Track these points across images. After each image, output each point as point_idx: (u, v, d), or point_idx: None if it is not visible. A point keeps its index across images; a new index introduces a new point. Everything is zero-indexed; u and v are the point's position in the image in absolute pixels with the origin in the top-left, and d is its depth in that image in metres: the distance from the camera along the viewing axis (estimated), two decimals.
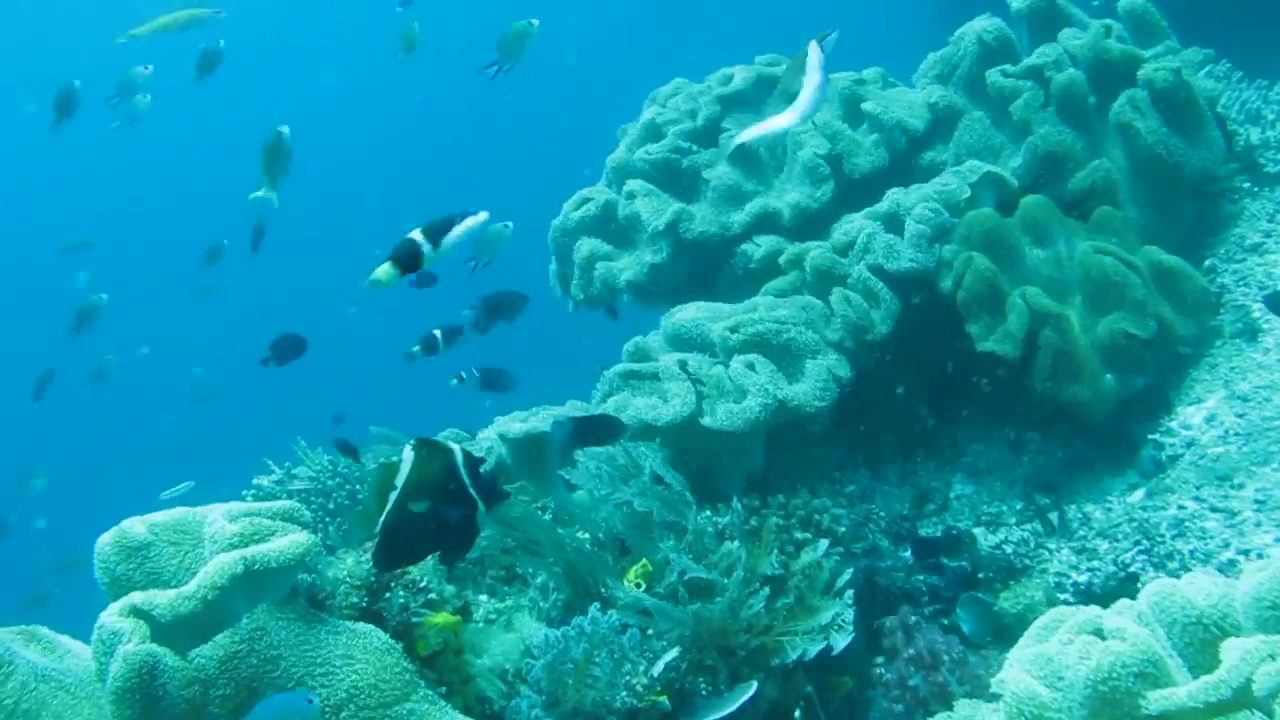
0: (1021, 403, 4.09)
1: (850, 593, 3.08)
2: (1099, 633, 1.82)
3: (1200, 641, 1.82)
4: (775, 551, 3.13)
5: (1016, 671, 1.80)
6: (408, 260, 2.54)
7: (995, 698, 1.84)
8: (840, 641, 2.97)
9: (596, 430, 3.05)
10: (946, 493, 4.03)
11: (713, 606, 2.93)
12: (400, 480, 2.14)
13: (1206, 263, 4.13)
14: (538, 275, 5.29)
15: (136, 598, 2.22)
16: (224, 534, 2.36)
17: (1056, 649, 1.81)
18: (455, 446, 2.19)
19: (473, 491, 2.17)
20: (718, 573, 3.02)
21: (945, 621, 3.65)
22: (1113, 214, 4.08)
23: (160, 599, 2.20)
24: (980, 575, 3.64)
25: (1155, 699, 1.66)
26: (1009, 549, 3.51)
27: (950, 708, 2.02)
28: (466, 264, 4.14)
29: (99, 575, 2.43)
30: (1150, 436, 3.69)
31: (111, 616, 2.21)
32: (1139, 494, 3.56)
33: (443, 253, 2.60)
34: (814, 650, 2.95)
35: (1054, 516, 3.55)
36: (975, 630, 3.51)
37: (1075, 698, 1.73)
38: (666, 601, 3.13)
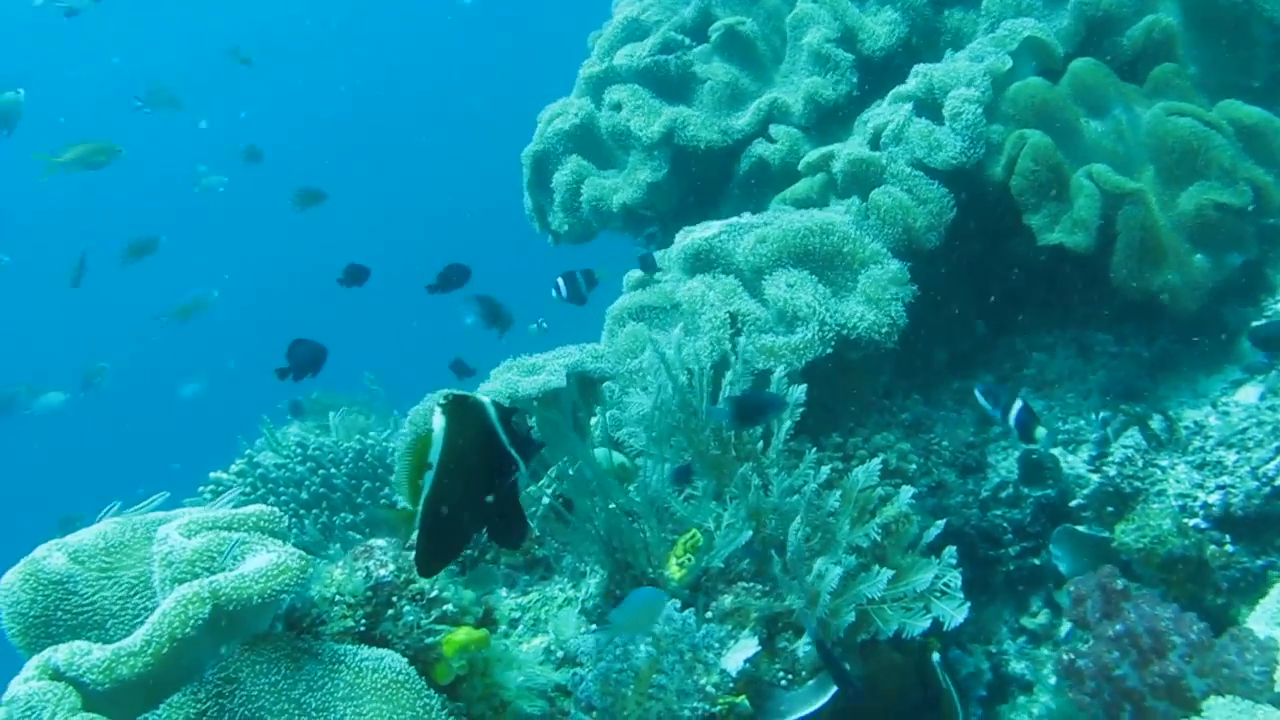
0: (1086, 301, 3.57)
1: (951, 550, 2.53)
2: None
3: None
4: (871, 517, 2.59)
5: None
6: None
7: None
8: (955, 616, 2.43)
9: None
10: None
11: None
12: (435, 456, 1.59)
13: None
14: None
15: (59, 654, 1.65)
16: (181, 555, 1.79)
17: None
18: (485, 399, 1.66)
19: (511, 450, 1.63)
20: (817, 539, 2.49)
21: (1036, 562, 3.16)
22: (1175, 72, 3.53)
23: (93, 658, 1.62)
24: (1072, 504, 3.13)
25: None
26: (1111, 470, 2.98)
27: (1186, 709, 1.49)
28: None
29: (7, 624, 1.85)
30: (1254, 323, 3.16)
31: (26, 683, 1.63)
32: (1251, 391, 3.04)
33: None
34: (918, 628, 2.41)
35: (1158, 427, 3.03)
36: (1075, 569, 3.01)
37: None
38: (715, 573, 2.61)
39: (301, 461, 3.52)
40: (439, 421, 1.59)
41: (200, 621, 1.62)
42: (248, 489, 3.42)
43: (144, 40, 21.21)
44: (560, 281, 4.03)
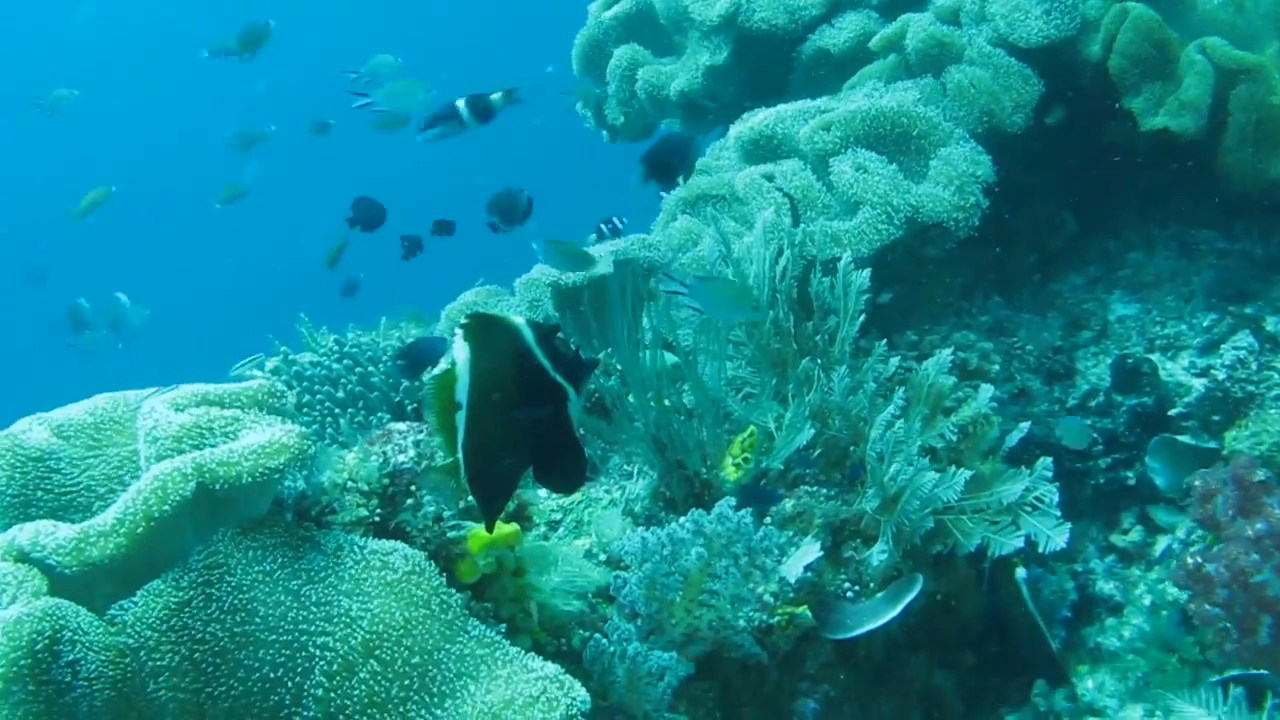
0: (1190, 194, 3.24)
1: (1047, 461, 2.25)
2: None
3: None
4: (946, 417, 2.34)
5: None
6: None
7: None
8: (1055, 539, 2.17)
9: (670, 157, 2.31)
10: (1105, 315, 3.20)
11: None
12: (463, 393, 1.30)
13: None
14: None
15: (24, 534, 1.46)
16: (167, 430, 1.58)
17: None
18: (518, 319, 1.35)
19: (556, 375, 1.34)
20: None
21: (1129, 474, 2.87)
22: None
23: (58, 538, 1.43)
24: (1171, 413, 2.83)
25: None
26: (1221, 374, 2.68)
27: None
28: None
29: None
30: None
31: None
32: None
33: None
34: (1007, 545, 2.16)
35: (1274, 328, 2.72)
36: (1173, 483, 2.72)
37: None
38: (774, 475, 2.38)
39: (338, 359, 3.33)
40: (462, 351, 1.29)
41: (181, 500, 1.42)
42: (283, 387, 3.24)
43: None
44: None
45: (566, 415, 1.38)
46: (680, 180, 2.82)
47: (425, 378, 3.11)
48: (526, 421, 1.36)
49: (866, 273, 2.50)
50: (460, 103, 3.20)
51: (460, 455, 1.32)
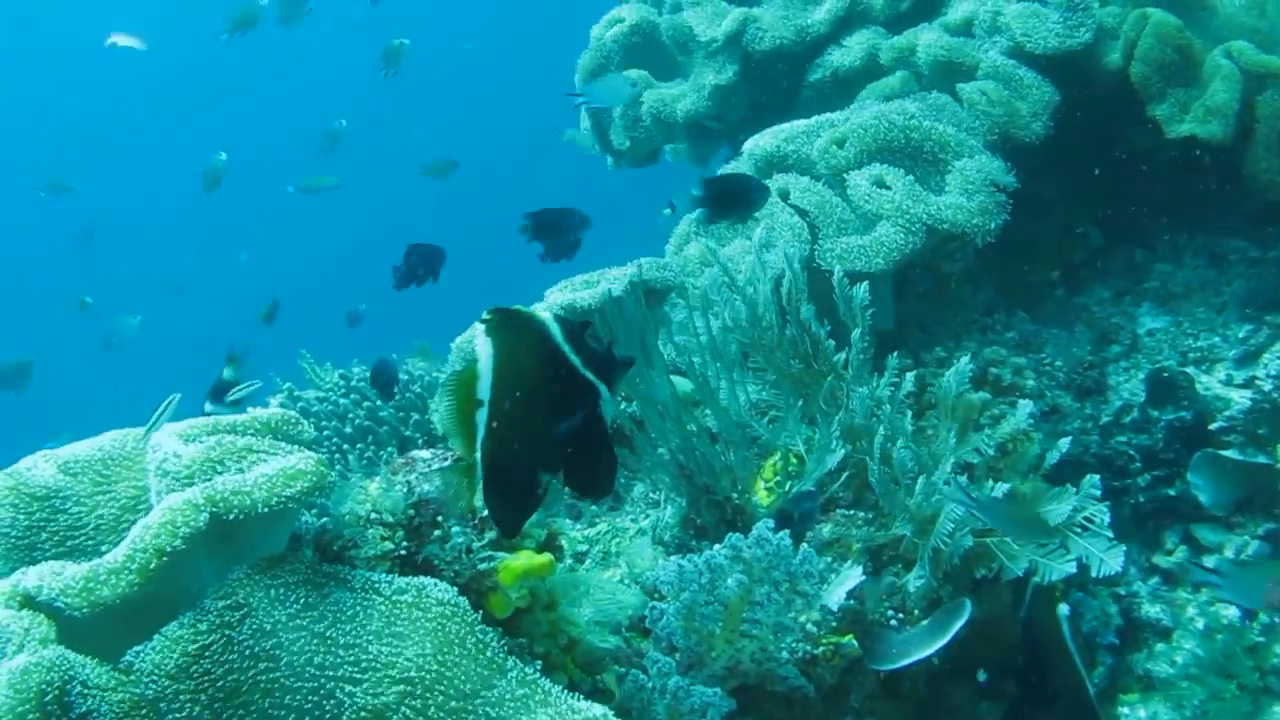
0: (1218, 203, 3.16)
1: (1094, 479, 2.15)
2: None
3: None
4: (976, 434, 2.24)
5: None
6: None
7: None
8: (1110, 562, 2.06)
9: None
10: (1134, 328, 3.11)
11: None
12: (486, 390, 1.21)
13: None
14: None
15: (29, 577, 1.35)
16: (177, 463, 1.49)
17: None
18: (545, 315, 1.27)
19: (587, 373, 1.25)
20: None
21: (1170, 492, 2.78)
22: None
23: (66, 578, 1.33)
24: (1212, 427, 2.74)
25: None
26: (1267, 385, 2.59)
27: None
28: None
29: None
30: None
31: None
32: None
33: None
34: (1058, 570, 2.05)
35: None
36: (1216, 500, 2.64)
37: None
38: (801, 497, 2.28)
39: (345, 394, 3.23)
40: (484, 347, 1.22)
41: (193, 533, 1.32)
42: None
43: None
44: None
45: (599, 416, 1.30)
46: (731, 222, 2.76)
47: (442, 379, 3.01)
48: (564, 429, 1.27)
49: (864, 286, 2.38)
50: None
51: (480, 456, 1.23)
